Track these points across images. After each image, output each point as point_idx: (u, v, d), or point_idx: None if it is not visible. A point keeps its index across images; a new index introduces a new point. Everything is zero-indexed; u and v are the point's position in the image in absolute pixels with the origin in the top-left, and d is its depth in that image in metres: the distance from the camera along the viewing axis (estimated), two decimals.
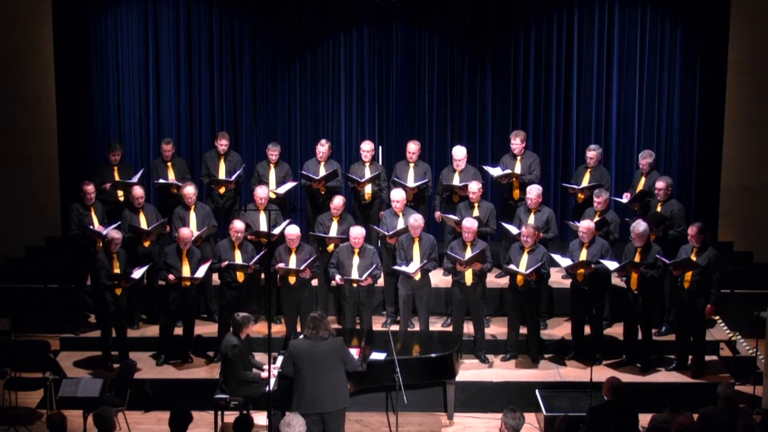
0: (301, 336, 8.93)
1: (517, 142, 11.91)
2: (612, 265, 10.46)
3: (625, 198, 11.69)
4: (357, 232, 10.70)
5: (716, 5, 12.85)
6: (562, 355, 11.02)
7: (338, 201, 11.26)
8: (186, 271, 10.68)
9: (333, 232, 11.23)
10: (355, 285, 10.66)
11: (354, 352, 9.42)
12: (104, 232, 11.01)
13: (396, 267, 10.76)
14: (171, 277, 10.59)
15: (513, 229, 11.20)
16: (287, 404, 9.05)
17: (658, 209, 11.14)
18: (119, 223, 11.28)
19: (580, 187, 11.80)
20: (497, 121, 13.37)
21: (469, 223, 10.66)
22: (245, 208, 11.58)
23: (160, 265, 10.83)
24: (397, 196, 11.24)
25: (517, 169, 11.85)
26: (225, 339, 9.69)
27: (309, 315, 8.91)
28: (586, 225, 10.66)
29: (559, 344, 11.15)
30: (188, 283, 10.71)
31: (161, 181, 12.02)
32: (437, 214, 12.01)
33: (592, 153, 11.83)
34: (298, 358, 8.70)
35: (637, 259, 10.48)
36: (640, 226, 10.54)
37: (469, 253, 10.55)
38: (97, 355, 10.95)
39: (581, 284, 10.65)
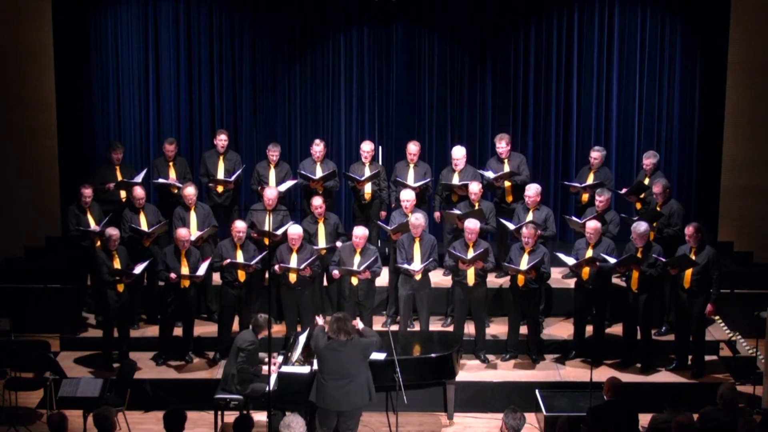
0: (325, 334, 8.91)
1: (502, 145, 11.90)
2: (612, 259, 10.46)
3: (623, 191, 11.73)
4: (359, 231, 10.69)
5: (716, 5, 12.85)
6: (563, 355, 11.03)
7: (317, 201, 11.21)
8: (185, 271, 10.67)
9: (321, 234, 11.19)
10: (355, 281, 10.65)
11: None
12: (99, 230, 11.06)
13: (399, 264, 10.76)
14: (173, 275, 10.58)
15: (510, 225, 11.21)
16: (288, 403, 9.08)
17: (658, 210, 11.15)
18: (107, 219, 11.28)
19: (583, 185, 11.80)
20: (497, 121, 13.36)
21: (471, 224, 10.66)
22: (245, 208, 11.56)
23: (160, 266, 10.82)
24: (407, 196, 11.24)
25: (507, 171, 11.85)
26: (242, 333, 9.78)
27: (333, 315, 8.94)
28: (593, 225, 10.66)
29: (559, 344, 11.15)
30: (187, 284, 10.70)
31: (161, 180, 12.01)
32: (436, 214, 12.02)
33: (596, 154, 11.82)
34: (319, 358, 8.80)
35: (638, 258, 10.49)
36: (641, 226, 10.54)
37: (471, 254, 10.55)
38: (97, 355, 10.94)
39: (585, 283, 10.65)
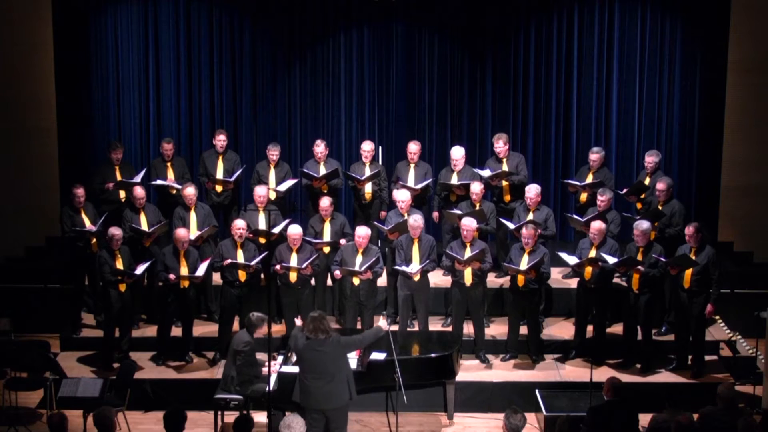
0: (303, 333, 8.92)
1: (500, 145, 11.89)
2: (612, 259, 10.46)
3: (623, 191, 11.74)
4: (361, 231, 10.70)
5: (716, 5, 12.85)
6: (563, 355, 11.03)
7: (325, 202, 11.26)
8: (184, 272, 10.67)
9: (326, 232, 11.23)
10: (356, 282, 10.66)
11: (354, 353, 9.46)
12: (95, 229, 11.07)
13: (397, 267, 10.77)
14: (172, 276, 10.58)
15: (510, 225, 11.21)
16: (288, 402, 9.07)
17: (659, 209, 11.16)
18: (103, 218, 11.28)
19: (582, 184, 11.80)
20: (497, 121, 13.36)
21: (468, 222, 10.66)
22: (245, 208, 11.58)
23: (159, 266, 10.82)
24: (402, 196, 11.24)
25: (507, 170, 11.85)
26: (238, 335, 9.76)
27: (309, 315, 8.92)
28: (597, 226, 10.66)
29: (559, 344, 11.15)
30: (186, 284, 10.70)
31: (159, 182, 12.01)
32: (435, 214, 12.01)
33: (595, 156, 11.82)
34: (299, 358, 8.78)
35: (639, 258, 10.48)
36: (643, 223, 10.55)
37: (468, 253, 10.55)
38: (97, 355, 10.94)
39: (588, 282, 10.65)
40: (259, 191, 11.40)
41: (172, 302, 10.76)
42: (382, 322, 9.49)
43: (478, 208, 11.26)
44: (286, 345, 10.25)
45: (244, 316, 10.69)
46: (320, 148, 12.02)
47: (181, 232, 10.75)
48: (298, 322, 9.46)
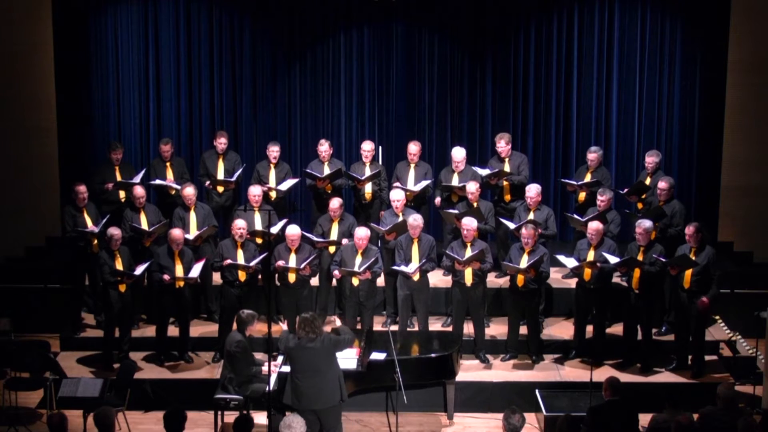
0: (293, 335, 8.95)
1: (501, 145, 11.90)
2: (613, 259, 10.46)
3: (624, 191, 11.75)
4: (361, 232, 10.70)
5: (716, 5, 12.86)
6: (563, 355, 11.03)
7: (335, 203, 11.27)
8: (179, 271, 10.67)
9: (334, 233, 11.24)
10: (356, 282, 10.66)
11: (354, 353, 9.47)
12: (97, 230, 11.07)
13: (395, 267, 10.77)
14: (166, 277, 10.58)
15: (511, 225, 11.21)
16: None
17: (660, 207, 11.16)
18: (105, 219, 11.27)
19: (579, 183, 11.81)
20: (497, 121, 13.36)
21: (468, 222, 10.66)
22: (245, 207, 11.59)
23: (153, 266, 10.81)
24: (397, 195, 11.25)
25: (506, 170, 11.85)
26: (230, 335, 9.73)
27: (301, 316, 8.95)
28: (594, 227, 10.65)
29: (559, 344, 11.15)
30: (182, 284, 10.70)
31: (157, 182, 12.01)
32: (437, 200, 11.97)
33: (593, 155, 11.82)
34: (290, 358, 8.84)
35: (640, 258, 10.48)
36: (645, 222, 10.56)
37: (468, 253, 10.55)
38: (97, 355, 10.94)
39: (587, 283, 10.65)
40: (254, 191, 11.39)
41: (168, 302, 10.74)
42: (337, 322, 9.68)
43: (475, 206, 11.25)
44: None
45: None
46: (324, 147, 12.02)
47: (175, 232, 10.74)
48: (284, 326, 9.51)
